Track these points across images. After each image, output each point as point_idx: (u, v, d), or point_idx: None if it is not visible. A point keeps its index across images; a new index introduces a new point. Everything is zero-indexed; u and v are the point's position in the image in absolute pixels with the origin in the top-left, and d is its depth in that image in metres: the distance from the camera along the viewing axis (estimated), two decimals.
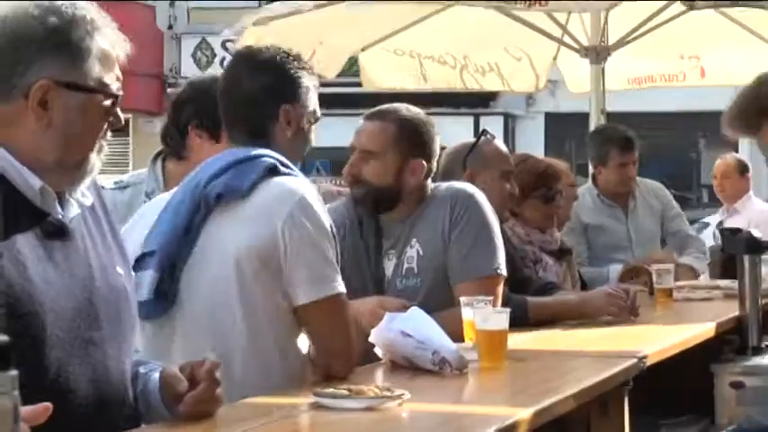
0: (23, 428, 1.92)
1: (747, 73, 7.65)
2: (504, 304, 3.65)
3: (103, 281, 2.45)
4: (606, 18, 7.01)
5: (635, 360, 3.27)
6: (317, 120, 3.39)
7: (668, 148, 19.38)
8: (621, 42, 7.09)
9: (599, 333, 3.98)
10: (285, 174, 3.15)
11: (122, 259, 2.56)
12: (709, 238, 7.33)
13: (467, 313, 3.40)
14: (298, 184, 3.14)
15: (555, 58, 7.95)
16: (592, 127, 7.22)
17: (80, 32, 2.39)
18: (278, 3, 7.23)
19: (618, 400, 3.21)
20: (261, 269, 3.01)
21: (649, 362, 3.35)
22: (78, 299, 2.38)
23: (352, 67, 7.74)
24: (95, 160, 2.45)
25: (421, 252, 3.80)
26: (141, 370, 2.59)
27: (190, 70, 18.58)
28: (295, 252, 3.02)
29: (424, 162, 3.83)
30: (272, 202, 3.07)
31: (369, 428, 2.43)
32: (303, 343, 3.12)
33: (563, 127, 18.70)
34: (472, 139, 4.61)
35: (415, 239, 3.82)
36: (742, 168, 8.35)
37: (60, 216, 2.40)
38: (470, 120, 18.87)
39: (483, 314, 3.23)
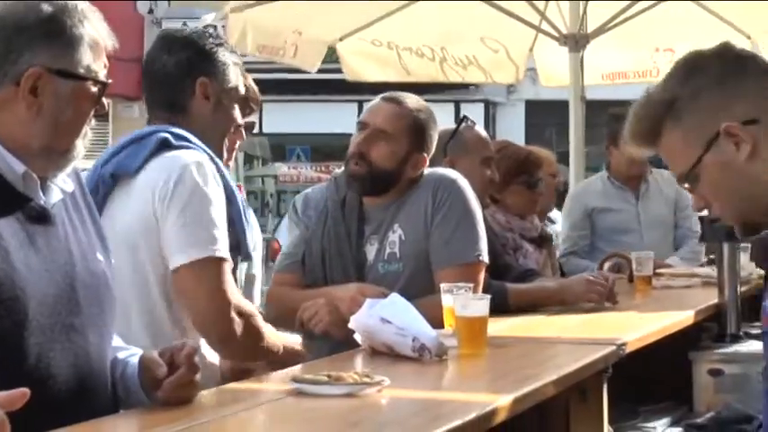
0: None
1: None
2: (485, 291, 3.66)
3: (84, 267, 2.45)
4: (585, 6, 7.02)
5: (614, 347, 3.28)
6: (255, 104, 3.38)
7: None
8: (601, 30, 7.09)
9: (578, 320, 3.99)
10: (178, 147, 3.13)
11: (102, 245, 2.56)
12: None
13: (447, 300, 3.40)
14: (186, 155, 3.11)
15: (531, 50, 7.95)
16: (572, 115, 7.23)
17: (72, 21, 2.42)
18: None
19: (597, 386, 3.21)
20: (145, 244, 3.03)
21: (628, 349, 3.35)
22: (60, 285, 2.38)
23: (331, 55, 7.73)
24: (80, 146, 2.47)
25: (403, 237, 3.80)
26: (120, 355, 2.59)
27: None
28: (167, 218, 3.02)
29: (425, 157, 3.84)
30: (155, 174, 3.08)
31: (348, 415, 2.43)
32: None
33: (543, 114, 18.73)
34: (453, 126, 4.61)
35: (397, 225, 3.81)
36: None
37: (42, 202, 2.41)
38: (451, 107, 18.89)
39: (463, 301, 3.23)
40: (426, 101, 3.99)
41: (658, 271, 5.33)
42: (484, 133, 4.68)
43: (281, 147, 21.87)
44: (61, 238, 2.43)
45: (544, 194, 5.46)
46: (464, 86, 18.51)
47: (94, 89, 2.45)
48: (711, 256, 5.75)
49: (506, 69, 8.03)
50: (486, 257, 3.82)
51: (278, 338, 3.23)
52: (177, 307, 3.10)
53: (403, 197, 3.84)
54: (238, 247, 3.23)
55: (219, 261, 3.03)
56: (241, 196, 3.32)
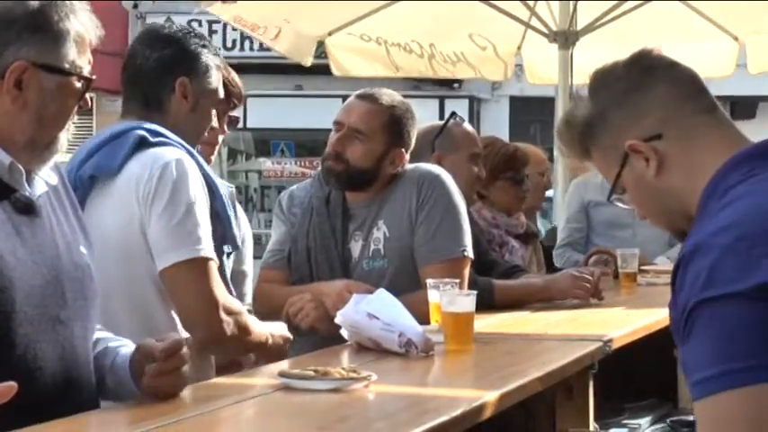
0: None
1: (709, 65, 7.73)
2: (470, 287, 3.66)
3: (69, 259, 2.45)
4: (575, 4, 7.02)
5: (600, 344, 3.28)
6: (238, 99, 3.38)
7: None
8: (590, 28, 7.10)
9: (565, 316, 3.99)
10: (156, 144, 3.12)
11: (85, 238, 2.56)
12: None
13: (433, 295, 3.40)
14: (165, 152, 3.10)
15: (519, 48, 7.95)
16: (558, 112, 7.23)
17: (59, 15, 2.41)
18: None
19: (583, 383, 3.22)
20: (134, 244, 3.02)
21: (614, 346, 3.36)
22: (46, 276, 2.37)
23: (317, 50, 7.72)
24: (64, 140, 2.47)
25: (387, 234, 3.80)
26: (111, 344, 2.58)
27: None
28: (150, 218, 3.01)
29: (404, 152, 3.84)
30: (136, 173, 3.06)
31: (335, 410, 2.42)
32: None
33: (528, 111, 18.73)
34: (439, 122, 4.61)
35: (381, 221, 3.81)
36: None
37: (27, 193, 2.40)
38: (436, 103, 18.88)
39: (449, 296, 3.23)
40: (411, 97, 4.00)
41: (643, 268, 5.34)
42: (472, 130, 4.67)
43: (266, 142, 21.82)
44: (47, 230, 2.43)
45: (532, 192, 5.47)
46: (449, 83, 18.55)
47: (78, 84, 2.45)
48: None
49: (495, 66, 8.03)
50: (471, 253, 3.82)
51: (264, 329, 3.22)
52: (171, 305, 3.09)
53: (386, 193, 3.84)
54: (225, 239, 3.22)
55: (205, 261, 3.03)
56: (229, 190, 3.31)
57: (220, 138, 3.59)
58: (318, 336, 3.59)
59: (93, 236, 2.65)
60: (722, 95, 17.03)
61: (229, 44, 18.87)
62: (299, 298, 3.69)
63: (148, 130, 3.13)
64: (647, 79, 2.13)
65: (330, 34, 7.56)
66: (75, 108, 2.47)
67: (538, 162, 5.83)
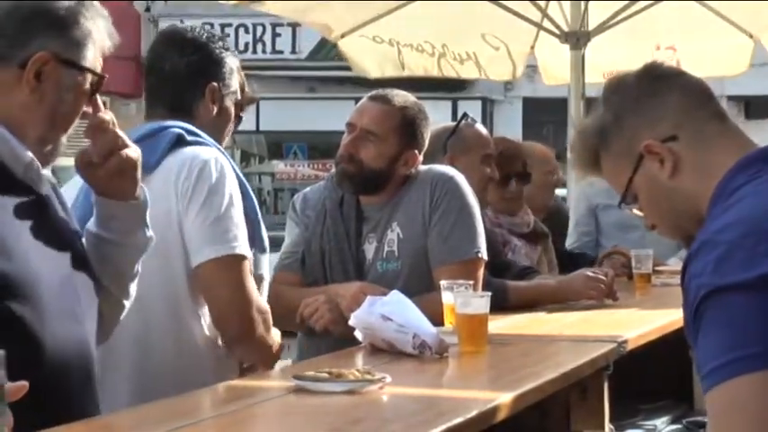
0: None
1: (722, 64, 7.70)
2: (484, 288, 3.65)
3: (76, 257, 2.47)
4: (587, 5, 7.01)
5: (615, 345, 3.27)
6: (248, 102, 3.41)
7: None
8: (602, 28, 7.09)
9: (579, 317, 3.99)
10: (192, 143, 3.16)
11: (78, 237, 2.56)
12: None
13: (447, 297, 3.40)
14: (202, 151, 3.14)
15: (532, 48, 7.95)
16: (571, 113, 7.22)
17: (85, 16, 2.44)
18: None
19: (598, 384, 3.21)
20: (171, 239, 3.03)
21: (629, 346, 3.35)
22: (62, 273, 2.39)
23: (329, 52, 7.73)
24: (65, 142, 2.48)
25: (401, 235, 3.80)
26: None
27: None
28: (188, 214, 3.04)
29: (417, 153, 3.84)
30: (173, 171, 3.09)
31: (349, 412, 2.42)
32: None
33: (541, 112, 18.72)
34: (452, 123, 4.60)
35: (395, 223, 3.81)
36: None
37: (40, 191, 2.42)
38: (449, 104, 18.90)
39: (463, 298, 3.23)
40: (424, 98, 3.99)
41: (657, 269, 5.33)
42: (485, 131, 4.66)
43: (278, 144, 21.88)
44: (56, 227, 2.44)
45: (539, 191, 5.45)
46: (462, 84, 18.56)
47: (88, 87, 2.47)
48: None
49: (503, 66, 8.03)
50: (484, 254, 3.82)
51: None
52: (201, 302, 3.11)
53: (399, 195, 3.84)
54: (253, 241, 3.25)
55: (241, 258, 3.06)
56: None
57: (227, 137, 3.61)
58: (332, 337, 3.59)
59: None
60: (736, 95, 17.04)
61: (242, 47, 18.93)
62: (313, 299, 3.69)
63: (185, 129, 3.18)
64: (661, 86, 2.18)
65: (343, 36, 7.57)
66: (82, 111, 2.48)
67: (543, 161, 5.77)
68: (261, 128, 20.01)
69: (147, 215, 2.60)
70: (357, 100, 4.01)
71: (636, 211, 2.24)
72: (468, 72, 8.00)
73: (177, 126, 3.18)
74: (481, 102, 20.00)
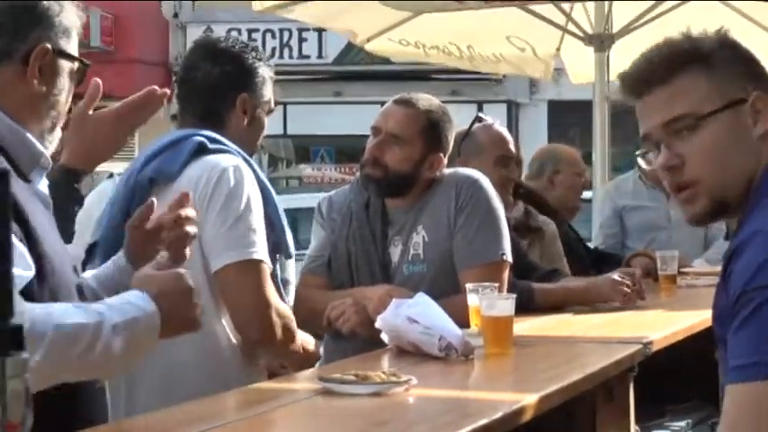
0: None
1: None
2: (510, 290, 3.67)
3: (73, 255, 2.49)
4: (610, 6, 7.01)
5: (640, 346, 3.28)
6: (270, 110, 3.44)
7: None
8: (626, 30, 7.08)
9: (604, 319, 3.99)
10: (214, 150, 3.19)
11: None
12: None
13: (472, 299, 3.41)
14: (223, 158, 3.17)
15: (558, 49, 7.94)
16: (596, 115, 7.22)
17: (65, 6, 2.45)
18: None
19: (623, 385, 3.22)
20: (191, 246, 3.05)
21: (655, 348, 3.35)
22: (68, 267, 2.41)
23: (355, 56, 7.76)
24: (58, 138, 2.48)
25: (427, 238, 3.81)
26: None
27: None
28: (207, 220, 3.06)
29: (442, 156, 3.85)
30: (194, 177, 3.12)
31: (376, 414, 2.44)
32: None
33: (566, 115, 18.69)
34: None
35: (420, 226, 3.83)
36: None
37: (44, 188, 2.43)
38: (474, 107, 18.86)
39: (489, 300, 3.24)
40: (449, 102, 4.00)
41: (683, 270, 5.32)
42: (500, 132, 4.64)
43: (306, 148, 21.90)
44: (56, 225, 2.45)
45: (567, 192, 5.45)
46: (487, 87, 18.54)
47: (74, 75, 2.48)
48: None
49: (535, 65, 8.04)
50: (509, 256, 3.83)
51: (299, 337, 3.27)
52: (224, 307, 3.14)
53: (425, 198, 3.86)
54: (279, 247, 3.28)
55: (258, 263, 3.09)
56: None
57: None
58: (359, 340, 3.61)
59: None
60: None
61: (269, 52, 18.95)
62: (340, 302, 3.71)
63: (207, 137, 3.21)
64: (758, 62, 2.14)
65: (368, 41, 7.60)
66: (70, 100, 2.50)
67: (572, 162, 5.79)
68: (288, 132, 20.06)
69: None
70: (383, 103, 4.03)
71: (642, 162, 2.13)
72: (502, 69, 8.02)
73: (200, 134, 3.21)
74: (506, 105, 19.97)
